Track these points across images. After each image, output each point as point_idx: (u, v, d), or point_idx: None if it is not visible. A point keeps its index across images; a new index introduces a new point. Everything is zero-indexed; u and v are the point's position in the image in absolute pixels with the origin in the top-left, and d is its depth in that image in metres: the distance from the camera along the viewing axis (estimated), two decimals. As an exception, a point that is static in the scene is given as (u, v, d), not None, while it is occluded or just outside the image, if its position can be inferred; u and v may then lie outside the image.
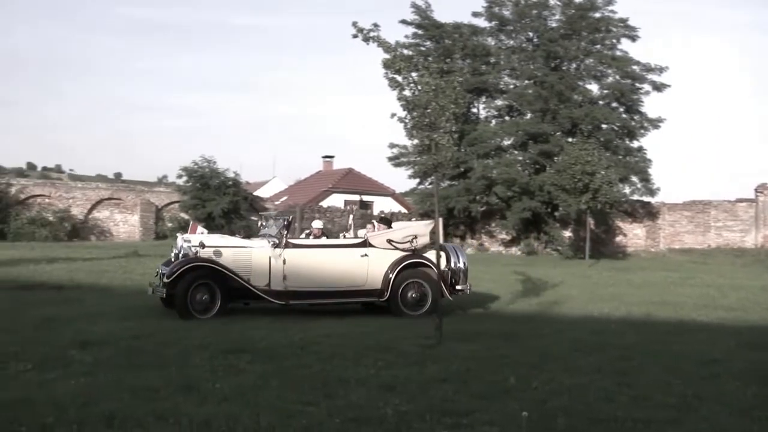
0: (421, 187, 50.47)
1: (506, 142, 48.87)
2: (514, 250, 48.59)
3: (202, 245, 15.30)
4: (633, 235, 50.64)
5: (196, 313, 14.56)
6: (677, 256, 46.70)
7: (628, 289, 23.97)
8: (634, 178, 47.10)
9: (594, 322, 15.56)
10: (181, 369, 9.76)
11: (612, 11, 48.28)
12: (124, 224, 50.97)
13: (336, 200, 57.59)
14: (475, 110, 50.55)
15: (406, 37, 49.40)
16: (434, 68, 12.94)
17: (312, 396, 8.56)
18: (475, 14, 49.97)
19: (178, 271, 14.70)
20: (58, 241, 44.62)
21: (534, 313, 17.09)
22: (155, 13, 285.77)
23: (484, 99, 50.31)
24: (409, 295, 16.17)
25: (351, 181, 62.19)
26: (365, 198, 60.23)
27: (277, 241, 15.61)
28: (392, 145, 49.86)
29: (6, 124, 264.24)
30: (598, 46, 48.90)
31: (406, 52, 13.25)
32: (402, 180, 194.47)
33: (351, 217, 19.43)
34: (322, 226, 18.17)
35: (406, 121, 13.01)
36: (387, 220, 18.03)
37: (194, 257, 15.13)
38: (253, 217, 48.66)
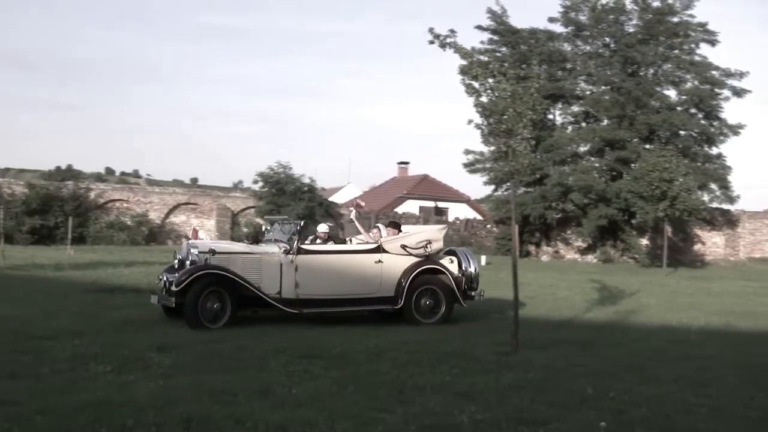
0: (497, 193, 50.25)
1: (582, 149, 48.49)
2: (590, 258, 48.13)
3: (213, 252, 14.59)
4: (712, 243, 49.89)
5: (206, 322, 13.90)
6: (757, 266, 45.90)
7: (707, 298, 23.61)
8: (713, 186, 46.37)
9: (672, 332, 15.35)
10: (258, 373, 9.83)
11: (690, 15, 47.59)
12: (200, 229, 51.42)
13: (411, 206, 57.57)
14: (551, 116, 50.19)
15: (482, 42, 49.29)
16: (511, 74, 12.86)
17: (387, 403, 8.54)
18: (552, 20, 49.67)
19: (188, 279, 14.02)
20: (136, 245, 45.21)
21: (611, 321, 16.90)
22: (230, 20, 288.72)
23: (560, 105, 49.95)
24: (423, 302, 15.69)
25: (426, 187, 62.14)
26: (440, 204, 60.18)
27: (289, 247, 15.00)
28: (468, 152, 49.72)
29: (85, 130, 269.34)
30: (676, 51, 48.20)
31: (482, 58, 13.16)
32: (477, 186, 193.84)
33: (353, 213, 18.31)
34: (327, 230, 17.15)
35: (483, 127, 12.96)
36: (396, 224, 17.22)
37: (204, 264, 14.39)
38: (328, 223, 48.85)
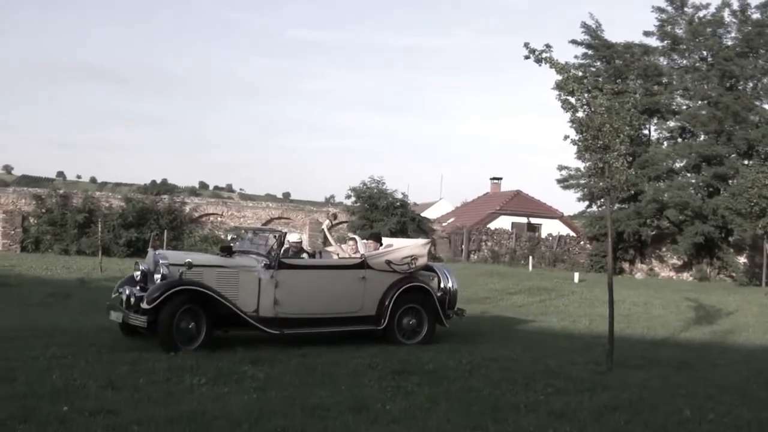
0: (591, 209, 49.68)
1: (678, 165, 47.66)
2: (686, 276, 47.24)
3: (190, 265, 12.86)
4: (814, 261, 48.55)
5: (180, 344, 12.32)
6: None
7: (810, 318, 22.97)
8: (816, 202, 45.10)
9: (773, 353, 14.98)
10: (351, 388, 9.84)
11: (793, 27, 46.46)
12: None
13: (503, 222, 57.24)
14: (646, 132, 49.47)
15: (576, 57, 48.84)
16: (608, 89, 12.73)
17: (481, 420, 8.49)
18: (647, 33, 48.95)
19: (163, 296, 12.33)
20: (231, 259, 45.72)
21: (708, 341, 16.58)
22: (322, 35, 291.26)
23: (655, 120, 49.19)
24: (406, 321, 14.62)
25: (519, 203, 61.77)
26: (533, 220, 59.76)
27: (269, 261, 13.54)
28: (561, 167, 49.26)
29: (179, 144, 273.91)
30: (777, 65, 47.13)
31: (577, 73, 13.04)
32: (570, 202, 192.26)
33: (326, 224, 16.79)
34: (299, 239, 15.58)
35: (579, 143, 12.83)
36: (377, 236, 16.14)
37: (180, 279, 12.68)
38: (420, 238, 48.85)
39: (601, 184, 12.89)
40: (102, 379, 9.55)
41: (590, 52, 49.12)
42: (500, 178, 69.57)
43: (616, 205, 45.80)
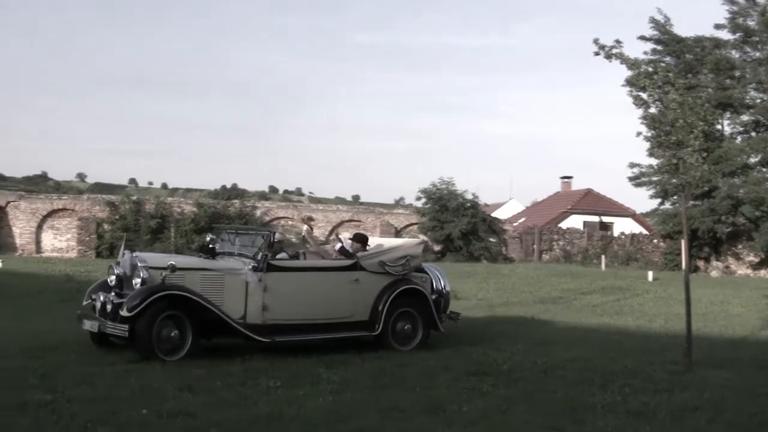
0: (663, 207, 49.01)
1: (753, 160, 46.83)
2: (764, 273, 46.40)
3: (173, 268, 11.89)
4: None
5: (161, 354, 11.37)
6: None
7: None
8: None
9: None
10: (426, 390, 9.81)
11: None
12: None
13: (575, 221, 56.77)
14: (719, 126, 48.67)
15: (645, 53, 48.22)
16: (680, 84, 12.54)
17: (559, 422, 8.42)
18: (718, 26, 48.13)
19: (144, 303, 11.34)
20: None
21: (790, 340, 16.23)
22: (385, 38, 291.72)
23: (728, 114, 48.39)
24: (400, 326, 13.68)
25: (590, 202, 61.23)
26: (605, 219, 59.19)
27: (257, 264, 12.56)
28: (632, 165, 48.67)
29: (249, 150, 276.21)
30: None
31: (648, 68, 12.87)
32: (642, 200, 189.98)
33: (305, 230, 15.57)
34: (281, 238, 14.37)
35: (652, 139, 12.66)
36: (363, 237, 14.70)
37: (162, 284, 11.70)
38: (491, 239, 48.65)
39: (674, 180, 12.73)
40: (179, 382, 9.64)
41: (659, 47, 48.46)
42: (571, 177, 69.17)
43: (690, 202, 45.18)
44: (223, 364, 11.01)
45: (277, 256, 13.05)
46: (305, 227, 15.47)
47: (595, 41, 12.60)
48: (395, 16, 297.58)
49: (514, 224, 56.25)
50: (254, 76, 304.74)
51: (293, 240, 15.09)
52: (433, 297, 14.28)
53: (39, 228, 48.66)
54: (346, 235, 16.57)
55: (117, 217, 46.36)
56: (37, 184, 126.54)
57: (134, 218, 45.27)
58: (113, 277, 12.37)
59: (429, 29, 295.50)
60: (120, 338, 11.65)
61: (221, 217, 45.77)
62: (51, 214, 48.90)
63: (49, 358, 11.02)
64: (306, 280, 13.12)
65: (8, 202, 48.73)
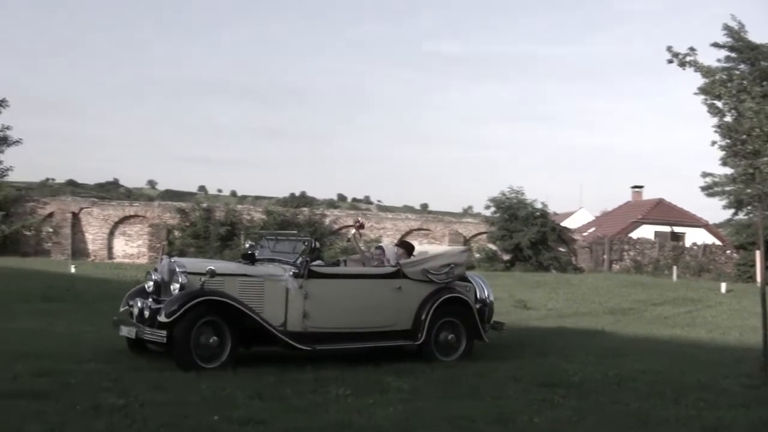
0: (738, 217, 48.19)
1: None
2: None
3: (212, 273, 11.58)
4: None
5: (199, 361, 11.15)
6: None
7: None
8: None
9: None
10: (496, 400, 9.74)
11: None
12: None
13: (646, 231, 56.11)
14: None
15: (719, 60, 47.49)
16: (756, 92, 12.33)
17: (631, 435, 8.30)
18: (795, 35, 47.38)
19: (183, 308, 11.11)
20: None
21: None
22: (453, 47, 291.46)
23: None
24: (444, 336, 13.28)
25: (661, 211, 60.45)
26: (676, 229, 58.42)
27: (298, 270, 12.21)
28: (705, 174, 47.96)
29: (318, 158, 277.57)
30: None
31: (722, 76, 12.68)
32: (715, 210, 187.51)
33: (352, 233, 15.22)
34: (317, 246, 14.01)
35: (727, 149, 12.47)
36: (408, 245, 14.49)
37: (201, 289, 11.40)
38: (561, 249, 48.31)
39: (749, 190, 12.51)
40: (249, 389, 9.67)
41: (733, 54, 47.74)
42: (641, 186, 68.31)
43: (766, 212, 44.41)
44: (293, 372, 11.03)
45: (314, 263, 12.71)
46: (353, 231, 15.28)
47: (669, 49, 12.48)
48: (468, 26, 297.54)
49: (584, 234, 55.80)
50: (324, 84, 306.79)
51: (361, 247, 14.76)
52: (477, 306, 13.89)
53: (111, 234, 49.56)
54: (386, 242, 16.30)
55: (187, 224, 46.94)
56: (109, 191, 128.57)
57: (204, 225, 45.80)
58: (151, 283, 12.15)
59: (501, 39, 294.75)
60: (157, 345, 11.46)
61: (290, 224, 46.07)
62: (122, 220, 49.75)
63: (122, 362, 11.14)
64: (347, 287, 12.80)
65: (81, 209, 49.64)
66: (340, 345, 12.59)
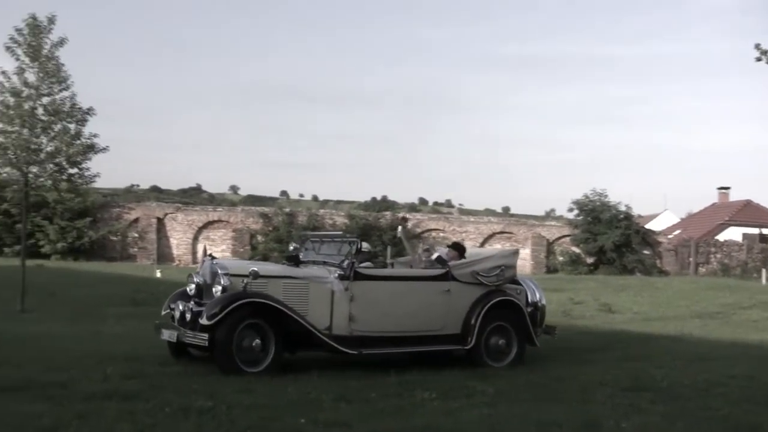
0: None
1: None
2: None
3: (255, 275, 11.33)
4: None
5: (242, 365, 10.93)
6: None
7: None
8: None
9: None
10: (582, 405, 9.65)
11: None
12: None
13: (733, 233, 55.15)
14: None
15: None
16: None
17: (722, 441, 8.16)
18: None
19: (225, 311, 10.86)
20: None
21: None
22: (534, 49, 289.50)
23: None
24: (494, 341, 12.80)
25: (749, 213, 59.36)
26: (765, 231, 57.30)
27: (343, 272, 11.88)
28: (794, 175, 47.06)
29: (398, 162, 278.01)
30: None
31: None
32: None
33: (399, 230, 14.94)
34: (369, 249, 13.70)
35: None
36: (460, 246, 14.12)
37: (243, 291, 11.18)
38: (645, 251, 47.74)
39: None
40: (335, 392, 9.72)
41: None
42: (728, 188, 67.10)
43: None
44: (377, 376, 11.07)
45: (362, 265, 12.41)
46: (399, 228, 15.08)
47: (757, 46, 12.24)
48: (547, 27, 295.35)
49: (669, 236, 54.99)
50: (404, 88, 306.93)
51: (410, 246, 14.48)
52: (529, 310, 13.40)
53: (195, 239, 50.13)
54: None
55: (270, 228, 47.35)
56: (192, 197, 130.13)
57: (287, 230, 46.15)
58: (193, 286, 11.89)
59: (580, 40, 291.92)
60: (199, 348, 11.35)
61: (373, 228, 46.27)
62: (206, 225, 50.36)
63: (208, 365, 11.26)
64: (394, 290, 12.39)
65: (166, 214, 50.38)
66: (387, 349, 12.31)
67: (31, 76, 19.72)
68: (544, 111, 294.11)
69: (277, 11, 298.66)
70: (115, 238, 48.85)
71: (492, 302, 12.80)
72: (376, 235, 45.90)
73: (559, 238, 51.92)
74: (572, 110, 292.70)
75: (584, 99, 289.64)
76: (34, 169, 19.97)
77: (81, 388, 9.48)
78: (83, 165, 21.64)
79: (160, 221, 50.27)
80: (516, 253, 14.44)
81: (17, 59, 19.62)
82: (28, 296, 19.23)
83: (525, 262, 50.43)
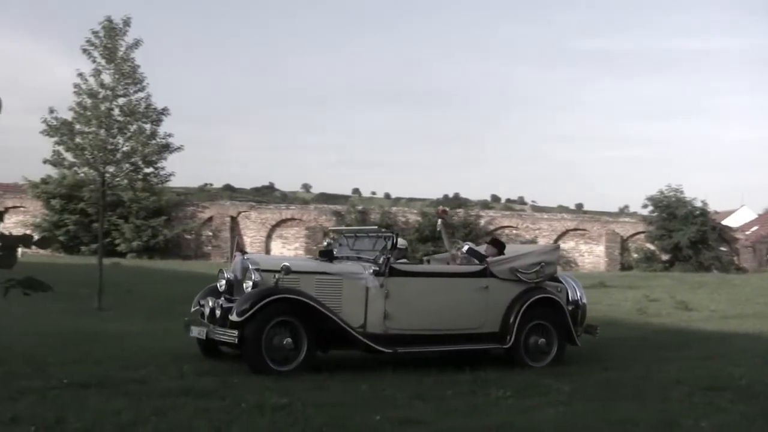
0: None
1: None
2: None
3: (287, 270, 10.97)
4: None
5: (272, 364, 10.63)
6: None
7: None
8: None
9: None
10: (660, 404, 9.53)
11: None
12: (589, 255, 51.17)
13: (813, 229, 54.13)
14: None
15: None
16: None
17: (804, 441, 7.99)
18: None
19: (256, 307, 10.55)
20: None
21: None
22: (599, 44, 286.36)
23: None
24: (534, 340, 12.38)
25: (831, 208, 58.22)
26: None
27: (379, 268, 11.52)
28: None
29: (469, 159, 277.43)
30: None
31: None
32: None
33: (440, 223, 14.62)
34: (404, 245, 13.64)
35: None
36: (499, 242, 13.78)
37: (275, 287, 10.88)
38: (722, 248, 47.04)
39: None
40: (409, 390, 9.73)
41: None
42: (808, 183, 65.80)
43: None
44: (452, 374, 11.04)
45: (400, 261, 12.21)
46: (440, 221, 14.85)
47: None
48: (617, 22, 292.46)
49: (746, 233, 54.11)
50: (474, 85, 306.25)
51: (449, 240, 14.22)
52: (569, 308, 12.98)
53: (268, 237, 50.55)
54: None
55: (343, 226, 47.52)
56: (265, 195, 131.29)
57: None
58: (223, 282, 11.69)
59: (652, 34, 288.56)
60: (229, 345, 11.06)
61: (445, 226, 46.11)
62: (279, 223, 50.79)
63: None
64: (431, 287, 12.02)
65: (239, 213, 50.90)
66: (423, 348, 11.99)
67: (107, 78, 20.00)
68: (617, 106, 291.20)
69: (346, 12, 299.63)
70: (189, 237, 49.47)
71: (532, 300, 12.41)
72: (449, 232, 45.77)
73: (634, 234, 51.36)
74: (645, 105, 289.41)
75: (658, 93, 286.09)
76: (111, 168, 20.24)
77: (158, 385, 9.60)
78: (158, 164, 21.91)
79: (234, 220, 50.82)
80: (557, 249, 14.33)
81: (93, 61, 19.91)
82: (105, 294, 19.50)
83: (599, 259, 50.03)
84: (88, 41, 19.85)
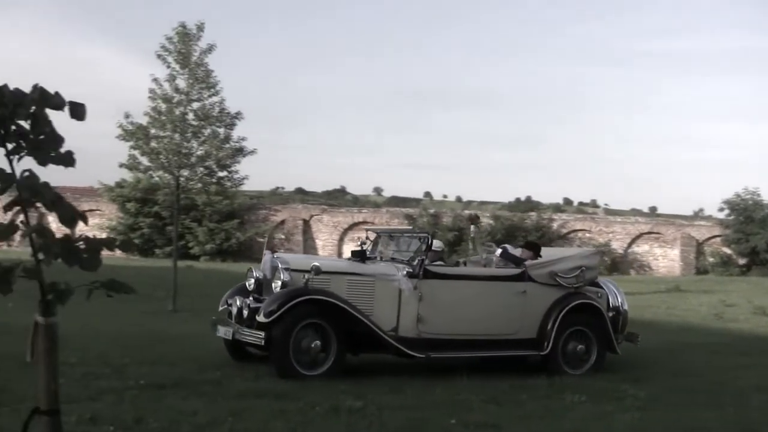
0: None
1: None
2: None
3: (317, 270, 10.59)
4: None
5: (300, 367, 10.35)
6: None
7: None
8: None
9: None
10: (737, 410, 9.38)
11: None
12: (664, 258, 50.47)
13: None
14: None
15: None
16: None
17: None
18: None
19: (284, 308, 10.23)
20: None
21: None
22: (673, 45, 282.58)
23: None
24: (572, 347, 11.92)
25: None
26: None
27: (412, 270, 11.15)
28: None
29: (540, 161, 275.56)
30: None
31: None
32: None
33: (472, 230, 14.23)
34: (442, 247, 13.35)
35: None
36: (535, 245, 13.37)
37: (305, 288, 10.54)
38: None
39: None
40: (484, 394, 9.71)
41: None
42: None
43: None
44: (527, 378, 10.99)
45: (436, 263, 11.95)
46: (472, 227, 14.65)
47: None
48: (689, 21, 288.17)
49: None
50: (544, 87, 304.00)
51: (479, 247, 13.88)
52: (610, 314, 12.48)
53: (340, 240, 50.71)
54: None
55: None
56: (336, 198, 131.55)
57: (432, 231, 46.23)
58: (252, 281, 11.41)
59: (729, 33, 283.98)
60: (255, 347, 10.81)
61: (518, 229, 45.96)
62: (351, 227, 50.85)
63: (354, 365, 11.32)
64: (466, 290, 11.59)
65: (312, 216, 51.15)
66: (457, 353, 11.62)
67: (181, 83, 20.29)
68: (690, 108, 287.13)
69: (415, 13, 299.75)
70: (262, 240, 49.82)
71: (571, 305, 11.97)
72: (522, 235, 45.54)
73: (709, 238, 50.53)
74: (721, 106, 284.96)
75: (733, 95, 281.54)
76: (185, 172, 20.50)
77: (234, 386, 9.69)
78: (232, 168, 22.13)
79: (306, 223, 51.09)
80: (598, 253, 13.94)
81: (168, 66, 20.22)
82: (180, 296, 19.74)
83: (674, 263, 49.31)
84: (162, 47, 20.15)
